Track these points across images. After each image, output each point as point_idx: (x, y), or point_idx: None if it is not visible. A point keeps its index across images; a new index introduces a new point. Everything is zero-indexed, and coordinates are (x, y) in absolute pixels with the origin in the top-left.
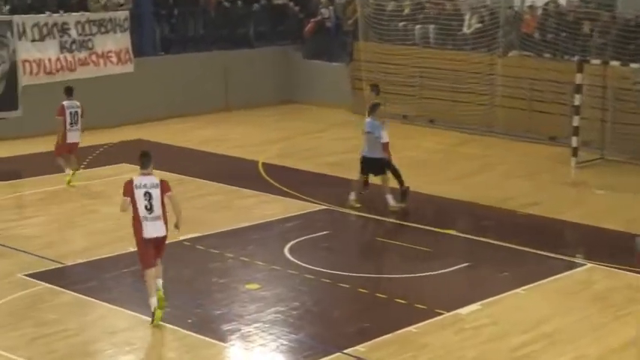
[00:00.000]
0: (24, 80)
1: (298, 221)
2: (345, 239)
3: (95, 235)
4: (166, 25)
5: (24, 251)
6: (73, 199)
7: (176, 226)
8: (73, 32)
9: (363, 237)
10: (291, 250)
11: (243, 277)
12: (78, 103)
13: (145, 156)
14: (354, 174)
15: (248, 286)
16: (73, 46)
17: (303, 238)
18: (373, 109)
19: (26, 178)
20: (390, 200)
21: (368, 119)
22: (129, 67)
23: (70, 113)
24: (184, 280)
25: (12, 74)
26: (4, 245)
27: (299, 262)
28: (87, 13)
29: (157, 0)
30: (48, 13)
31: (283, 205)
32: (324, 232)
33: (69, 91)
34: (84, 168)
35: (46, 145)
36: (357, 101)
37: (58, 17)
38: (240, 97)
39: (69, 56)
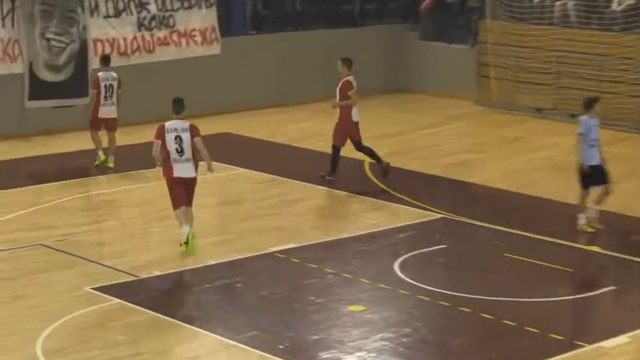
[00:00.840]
0: (95, 62)
1: (411, 232)
2: (467, 254)
3: (173, 243)
4: None
5: (92, 261)
6: (148, 201)
7: (209, 169)
8: (153, 7)
9: (488, 252)
10: (402, 266)
11: (345, 297)
12: (115, 75)
13: (179, 102)
14: (477, 177)
15: (351, 308)
16: (152, 24)
17: (416, 252)
18: (590, 104)
19: (95, 175)
20: (582, 219)
21: (583, 117)
22: (215, 49)
23: (105, 86)
24: (276, 298)
25: (82, 55)
26: (69, 253)
27: (411, 281)
28: None
29: None
30: None
31: (393, 213)
32: (442, 246)
33: (106, 61)
34: (160, 165)
35: (119, 137)
36: (483, 91)
37: None
38: None
39: (147, 35)
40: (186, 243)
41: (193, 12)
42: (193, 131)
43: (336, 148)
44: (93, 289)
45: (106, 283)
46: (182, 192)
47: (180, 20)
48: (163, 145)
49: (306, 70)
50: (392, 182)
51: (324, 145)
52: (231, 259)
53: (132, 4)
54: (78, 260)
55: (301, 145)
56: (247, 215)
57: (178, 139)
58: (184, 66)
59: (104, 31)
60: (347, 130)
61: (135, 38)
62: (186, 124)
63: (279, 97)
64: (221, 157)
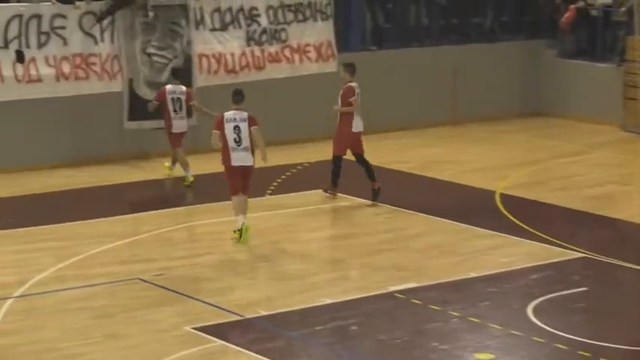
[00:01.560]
0: (200, 80)
1: (546, 272)
2: (610, 299)
3: (282, 280)
4: (380, 11)
5: (193, 298)
6: (255, 234)
7: (263, 159)
8: (263, 20)
9: (635, 296)
10: (536, 310)
11: (472, 344)
12: (183, 89)
13: (238, 93)
14: (623, 212)
15: (478, 356)
16: (263, 38)
17: (552, 295)
18: None
19: (197, 204)
20: None
21: None
22: (331, 65)
23: (172, 99)
24: (395, 343)
25: (186, 72)
26: (169, 289)
27: (547, 327)
28: None
29: None
30: None
31: (527, 251)
32: (582, 289)
33: (175, 74)
34: (270, 194)
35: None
36: (630, 115)
37: (246, 0)
38: (473, 106)
39: (257, 50)
40: (240, 234)
41: (308, 25)
42: (251, 121)
43: (337, 158)
44: (194, 328)
45: (207, 323)
46: (239, 180)
47: (293, 34)
48: (222, 135)
49: (432, 89)
50: (527, 216)
51: (451, 173)
52: (346, 298)
53: (240, 17)
54: (178, 297)
55: (426, 174)
56: (365, 250)
57: (237, 128)
58: (297, 84)
59: (210, 45)
60: (348, 140)
61: (243, 54)
62: (244, 114)
63: (401, 119)
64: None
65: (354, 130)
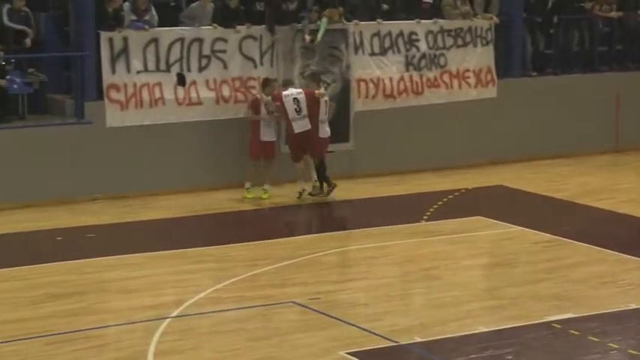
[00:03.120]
0: (358, 105)
1: None
2: None
3: (437, 307)
4: (541, 37)
5: (348, 322)
6: (411, 259)
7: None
8: (423, 45)
9: None
10: None
11: None
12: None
13: (289, 83)
14: None
15: None
16: (422, 63)
17: None
18: None
19: (354, 229)
20: None
21: None
22: (491, 92)
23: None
24: None
25: (344, 97)
26: (323, 313)
27: None
28: (440, 21)
29: (530, 3)
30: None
31: None
32: None
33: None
34: (426, 220)
35: (380, 187)
36: None
37: (406, 25)
38: (637, 134)
39: (415, 75)
40: (299, 195)
41: (468, 50)
42: (307, 90)
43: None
44: (348, 353)
45: (361, 348)
46: (300, 148)
47: (452, 60)
48: (283, 110)
49: (593, 117)
50: None
51: (611, 202)
52: (501, 327)
53: (400, 41)
54: (332, 321)
55: (584, 202)
56: (521, 279)
57: (296, 100)
58: (455, 110)
59: (369, 70)
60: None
61: (402, 79)
62: (299, 88)
63: (560, 146)
64: (494, 213)
65: (321, 135)
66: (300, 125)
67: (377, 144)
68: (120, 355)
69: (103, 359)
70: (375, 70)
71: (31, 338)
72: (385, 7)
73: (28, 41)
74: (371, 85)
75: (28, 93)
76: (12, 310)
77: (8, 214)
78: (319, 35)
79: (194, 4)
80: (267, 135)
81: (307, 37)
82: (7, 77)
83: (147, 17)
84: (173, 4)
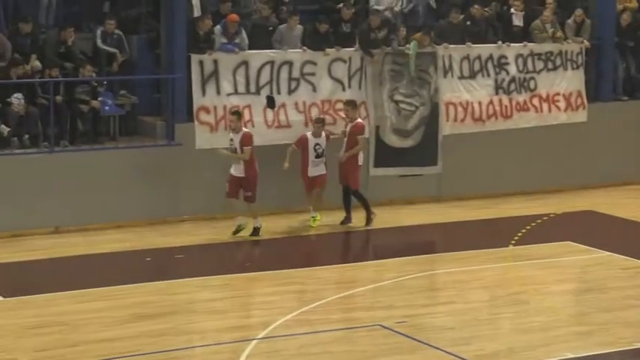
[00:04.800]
0: (446, 128)
1: None
2: None
3: (525, 332)
4: (633, 61)
5: (434, 346)
6: (499, 284)
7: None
8: (512, 68)
9: None
10: None
11: None
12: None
13: (319, 121)
14: None
15: None
16: (511, 87)
17: None
18: None
19: (441, 252)
20: None
21: None
22: (581, 115)
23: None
24: None
25: (432, 120)
26: (410, 337)
27: None
28: (530, 45)
29: (622, 28)
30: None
31: None
32: None
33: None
34: (514, 244)
35: (468, 211)
36: None
37: (495, 49)
38: None
39: (505, 99)
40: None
41: (558, 74)
42: (328, 138)
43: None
44: None
45: None
46: (311, 185)
47: (542, 83)
48: (303, 151)
49: None
50: None
51: None
52: (590, 353)
53: (490, 65)
54: (418, 345)
55: None
56: (611, 305)
57: (318, 145)
58: (545, 134)
59: (457, 93)
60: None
61: (491, 102)
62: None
63: None
64: (583, 238)
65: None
66: (316, 170)
67: (465, 168)
68: None
69: None
70: (464, 93)
71: (119, 358)
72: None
73: (115, 65)
74: (460, 109)
75: (120, 115)
76: (101, 329)
77: (99, 234)
78: (411, 65)
79: (281, 27)
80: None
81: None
82: (100, 99)
83: (237, 40)
84: (271, 28)
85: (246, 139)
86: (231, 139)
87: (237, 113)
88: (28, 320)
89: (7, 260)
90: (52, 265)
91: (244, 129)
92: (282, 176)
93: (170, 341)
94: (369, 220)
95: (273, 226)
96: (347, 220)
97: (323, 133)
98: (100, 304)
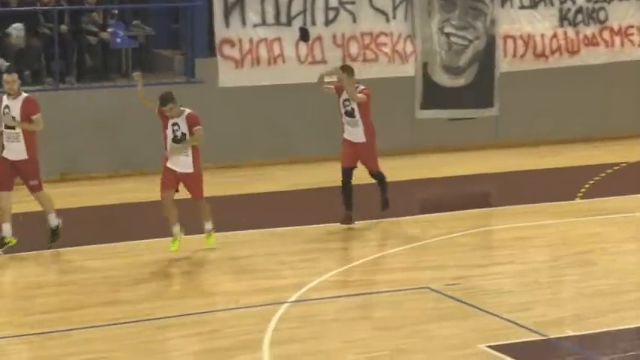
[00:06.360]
0: (504, 65)
1: None
2: None
3: (592, 297)
4: None
5: (490, 312)
6: (564, 241)
7: None
8: None
9: None
10: None
11: None
12: None
13: None
14: None
15: None
16: (578, 18)
17: None
18: None
19: (496, 206)
20: None
21: None
22: None
23: None
24: None
25: (488, 56)
26: (462, 301)
27: None
28: None
29: None
30: None
31: None
32: None
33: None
34: (581, 197)
35: (528, 159)
36: None
37: None
38: None
39: (570, 32)
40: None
41: (632, 4)
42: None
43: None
44: (489, 347)
45: (505, 341)
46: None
47: (614, 14)
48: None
49: None
50: None
51: None
52: None
53: None
54: (472, 310)
55: None
56: None
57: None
58: (616, 72)
59: (517, 25)
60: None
61: (555, 35)
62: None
63: None
64: None
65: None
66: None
67: (525, 110)
68: (232, 342)
69: (214, 346)
70: (525, 25)
71: (131, 322)
72: None
73: None
74: (519, 43)
75: (133, 48)
76: (112, 290)
77: (105, 183)
78: None
79: None
80: None
81: None
82: (110, 30)
83: None
84: None
85: (194, 119)
86: (175, 124)
87: (167, 99)
88: (30, 280)
89: None
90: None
91: (186, 109)
92: (322, 120)
93: (191, 304)
94: (386, 204)
95: (308, 175)
96: (348, 218)
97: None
98: (111, 261)
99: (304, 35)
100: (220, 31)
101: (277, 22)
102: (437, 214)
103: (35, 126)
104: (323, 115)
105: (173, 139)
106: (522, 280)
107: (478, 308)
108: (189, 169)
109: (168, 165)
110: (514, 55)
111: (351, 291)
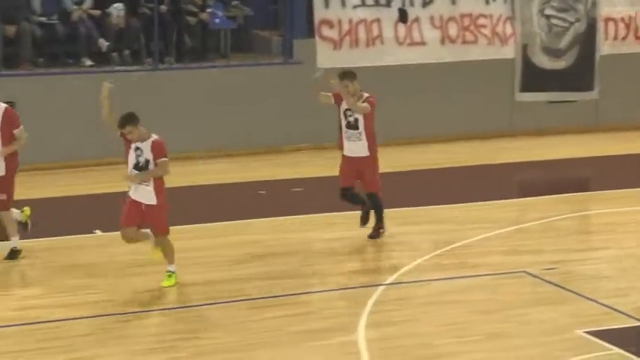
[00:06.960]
0: (605, 48)
1: None
2: None
3: None
4: None
5: (588, 298)
6: None
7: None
8: None
9: None
10: None
11: None
12: None
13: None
14: None
15: None
16: None
17: None
18: None
19: (594, 190)
20: None
21: None
22: None
23: None
24: None
25: (588, 38)
26: (559, 286)
27: None
28: None
29: None
30: None
31: None
32: None
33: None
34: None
35: (628, 143)
36: None
37: None
38: None
39: None
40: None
41: None
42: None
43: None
44: (586, 332)
45: (602, 327)
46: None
47: None
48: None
49: None
50: None
51: None
52: None
53: None
54: (569, 295)
55: None
56: None
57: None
58: None
59: (618, 7)
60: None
61: None
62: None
63: None
64: None
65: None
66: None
67: (626, 93)
68: (327, 324)
69: (308, 328)
70: (627, 7)
71: (225, 302)
72: None
73: None
74: (621, 25)
75: (232, 28)
76: (206, 270)
77: (203, 163)
78: None
79: None
80: None
81: None
82: (209, 10)
83: None
84: None
85: (160, 148)
86: (138, 149)
87: (126, 121)
88: (125, 258)
89: (97, 191)
90: None
91: (153, 135)
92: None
93: (286, 285)
94: (377, 233)
95: (401, 158)
96: (366, 219)
97: None
98: (209, 241)
99: (403, 16)
100: (320, 12)
101: (376, 3)
102: (535, 197)
103: (17, 143)
104: (419, 97)
105: (135, 165)
106: (620, 265)
107: (575, 293)
108: (152, 202)
109: (133, 196)
110: (615, 38)
111: (446, 274)
